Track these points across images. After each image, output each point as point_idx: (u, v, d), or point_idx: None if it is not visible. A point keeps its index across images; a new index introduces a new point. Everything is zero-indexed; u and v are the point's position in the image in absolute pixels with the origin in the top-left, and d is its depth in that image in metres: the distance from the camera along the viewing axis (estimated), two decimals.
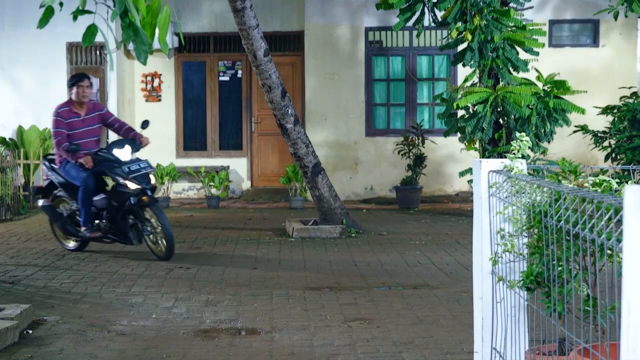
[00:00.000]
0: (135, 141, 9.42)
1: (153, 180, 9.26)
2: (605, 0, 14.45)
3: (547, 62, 13.71)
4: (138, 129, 9.75)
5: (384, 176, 15.44)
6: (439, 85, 15.41)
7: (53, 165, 9.56)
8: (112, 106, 15.11)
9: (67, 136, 9.31)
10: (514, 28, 11.92)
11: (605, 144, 13.59)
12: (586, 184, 3.58)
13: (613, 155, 13.34)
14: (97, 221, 9.32)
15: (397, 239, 10.76)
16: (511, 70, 12.06)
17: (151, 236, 9.12)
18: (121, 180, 9.07)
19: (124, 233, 9.24)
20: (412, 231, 11.46)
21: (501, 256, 3.94)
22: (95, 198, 9.26)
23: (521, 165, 4.05)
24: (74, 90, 9.45)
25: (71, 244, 9.81)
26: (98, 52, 15.16)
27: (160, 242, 9.06)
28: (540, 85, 12.06)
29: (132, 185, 9.04)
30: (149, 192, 9.10)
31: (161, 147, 15.35)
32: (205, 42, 16.15)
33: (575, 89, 12.00)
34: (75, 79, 9.52)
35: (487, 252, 4.12)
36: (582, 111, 11.77)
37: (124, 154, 9.24)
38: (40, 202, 9.79)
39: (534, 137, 11.78)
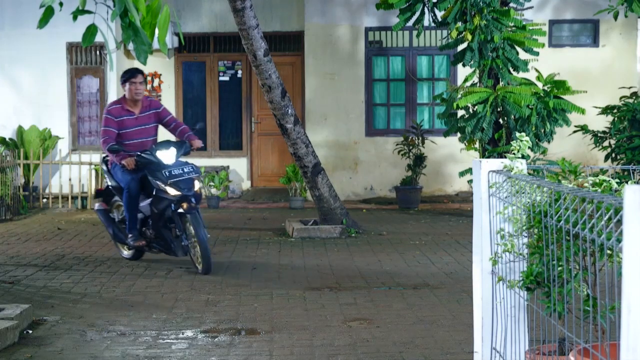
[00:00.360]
0: (184, 143, 8.63)
1: (197, 187, 8.45)
2: (605, 0, 14.45)
3: (547, 62, 13.71)
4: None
5: (384, 176, 15.43)
6: (439, 85, 15.40)
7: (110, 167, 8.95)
8: None
9: (117, 135, 8.63)
10: (514, 28, 11.92)
11: (605, 144, 13.58)
12: (586, 184, 3.58)
13: (613, 155, 13.34)
14: (144, 228, 8.70)
15: (397, 239, 10.76)
16: (511, 70, 12.06)
17: (189, 247, 8.43)
18: (161, 186, 8.30)
19: (167, 243, 8.53)
20: (412, 231, 11.45)
21: (501, 256, 3.94)
22: (142, 204, 8.60)
23: (521, 165, 4.05)
24: (127, 86, 8.69)
25: (126, 252, 9.14)
26: (98, 52, 15.17)
27: (196, 254, 8.33)
28: (540, 85, 12.06)
29: (172, 191, 8.26)
30: (192, 200, 8.33)
31: None
32: (205, 42, 16.15)
33: (575, 89, 12.00)
34: (128, 75, 8.75)
35: (487, 252, 4.12)
36: (582, 111, 11.78)
37: (167, 156, 8.42)
38: (96, 206, 9.25)
39: (534, 137, 11.78)
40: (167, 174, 8.29)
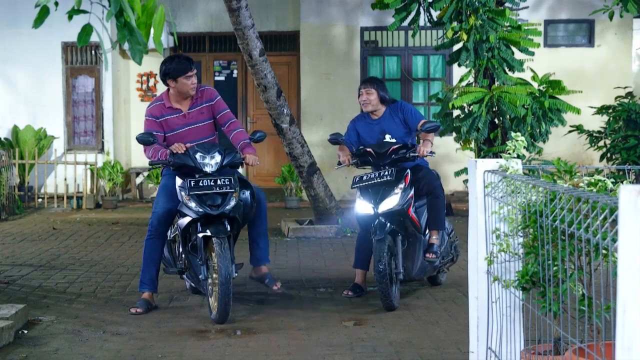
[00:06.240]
0: (235, 153, 6.80)
1: (231, 204, 6.55)
2: (601, 0, 14.47)
3: (542, 62, 13.72)
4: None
5: None
6: (435, 85, 15.42)
7: None
8: (107, 106, 15.10)
9: (164, 141, 6.90)
10: (509, 28, 11.92)
11: (601, 143, 13.60)
12: (581, 184, 3.58)
13: (608, 155, 13.36)
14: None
15: None
16: (506, 70, 12.06)
17: (207, 283, 6.58)
18: (183, 197, 6.54)
19: (196, 274, 6.72)
20: None
21: (497, 256, 3.94)
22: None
23: (516, 165, 4.05)
24: (177, 83, 6.76)
25: (188, 283, 7.37)
26: (93, 51, 15.14)
27: (214, 295, 6.48)
28: (535, 85, 12.06)
29: (194, 206, 6.47)
30: (224, 223, 6.63)
31: None
32: (200, 42, 16.14)
33: (570, 89, 12.01)
34: (181, 67, 6.73)
35: (483, 251, 4.12)
36: (578, 111, 11.79)
37: (208, 162, 6.62)
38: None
39: (529, 137, 11.79)
40: (192, 183, 6.48)
